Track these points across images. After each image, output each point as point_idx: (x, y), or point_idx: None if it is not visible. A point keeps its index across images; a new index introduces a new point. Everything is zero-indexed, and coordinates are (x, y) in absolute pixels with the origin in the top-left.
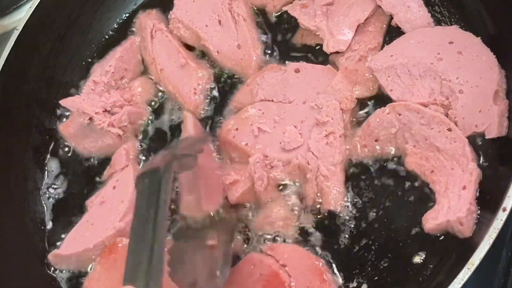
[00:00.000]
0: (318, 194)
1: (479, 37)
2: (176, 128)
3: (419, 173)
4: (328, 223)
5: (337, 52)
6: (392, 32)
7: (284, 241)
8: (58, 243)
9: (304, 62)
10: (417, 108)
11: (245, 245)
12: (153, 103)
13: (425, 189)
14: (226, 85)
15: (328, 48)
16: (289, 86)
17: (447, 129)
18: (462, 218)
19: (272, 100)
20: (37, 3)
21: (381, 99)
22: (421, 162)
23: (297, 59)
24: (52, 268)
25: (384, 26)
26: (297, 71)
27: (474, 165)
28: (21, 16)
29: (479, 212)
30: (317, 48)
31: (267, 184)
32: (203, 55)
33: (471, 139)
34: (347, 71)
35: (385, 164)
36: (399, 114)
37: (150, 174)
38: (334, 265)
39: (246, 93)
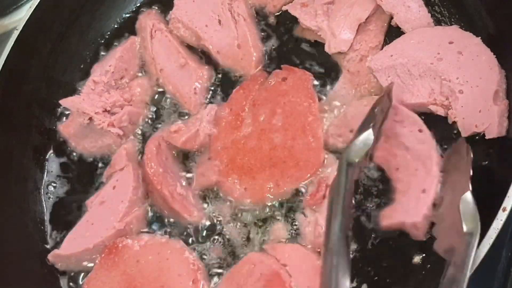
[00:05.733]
0: None
1: (479, 37)
2: None
3: (385, 168)
4: None
5: (339, 53)
6: (392, 32)
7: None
8: (58, 243)
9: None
10: (394, 105)
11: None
12: (153, 103)
13: None
14: (226, 85)
15: (330, 49)
16: None
17: (418, 130)
18: (418, 223)
19: None
20: (37, 3)
21: None
22: (389, 158)
23: (297, 58)
24: (52, 268)
25: (385, 24)
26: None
27: (436, 170)
28: (21, 16)
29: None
30: (317, 46)
31: None
32: (203, 54)
33: (471, 139)
34: (349, 74)
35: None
36: None
37: None
38: None
39: None
